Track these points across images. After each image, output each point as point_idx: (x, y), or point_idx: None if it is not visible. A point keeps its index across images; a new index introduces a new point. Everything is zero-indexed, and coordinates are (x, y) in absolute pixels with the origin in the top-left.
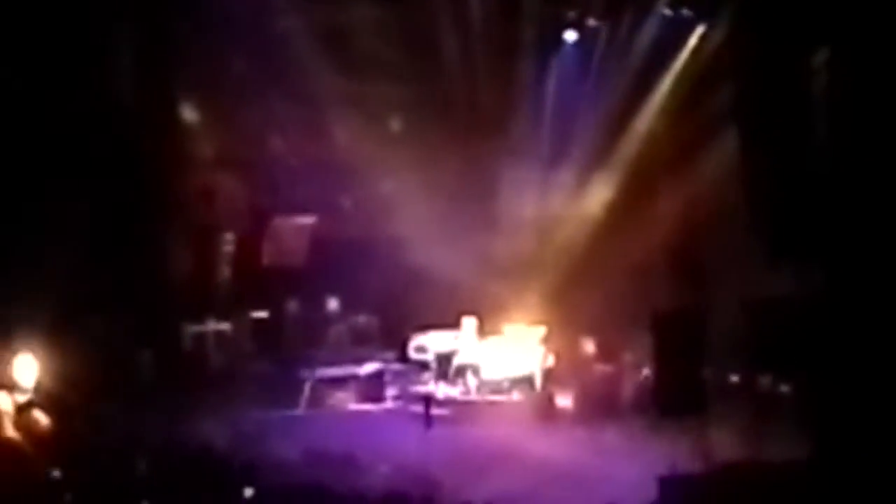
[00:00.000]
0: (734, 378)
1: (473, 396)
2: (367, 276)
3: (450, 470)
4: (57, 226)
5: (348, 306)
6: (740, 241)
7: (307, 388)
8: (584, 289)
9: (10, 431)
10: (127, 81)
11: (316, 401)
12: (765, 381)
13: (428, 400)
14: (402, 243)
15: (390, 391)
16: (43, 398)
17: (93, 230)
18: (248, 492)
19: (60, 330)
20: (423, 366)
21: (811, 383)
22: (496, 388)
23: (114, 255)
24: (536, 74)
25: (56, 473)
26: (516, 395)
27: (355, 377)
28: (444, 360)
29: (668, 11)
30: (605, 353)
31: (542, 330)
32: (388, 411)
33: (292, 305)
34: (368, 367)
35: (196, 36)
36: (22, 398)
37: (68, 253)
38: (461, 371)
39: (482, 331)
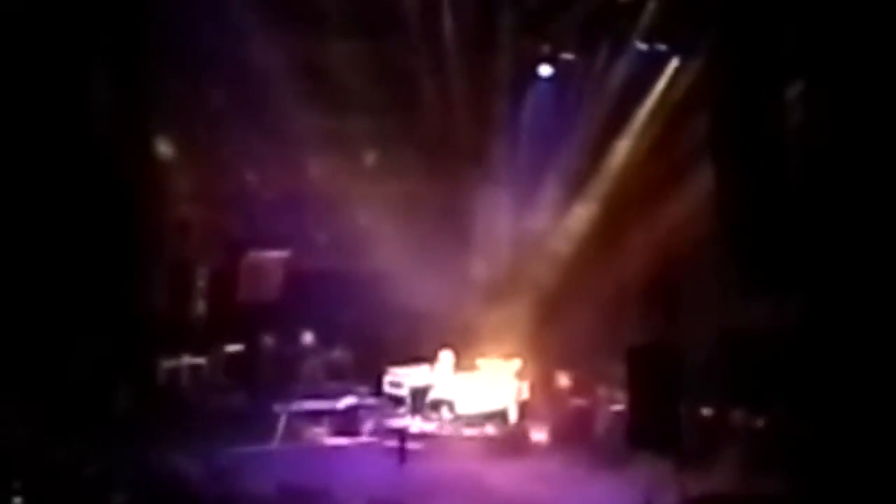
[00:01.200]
0: (709, 411)
1: (448, 431)
2: (342, 311)
3: None
4: (32, 259)
5: (323, 340)
6: (716, 274)
7: (282, 422)
8: (559, 322)
9: None
10: (104, 116)
11: (291, 435)
12: (740, 414)
13: (402, 434)
14: (377, 277)
15: (365, 425)
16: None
17: (68, 263)
18: None
19: (35, 363)
20: (398, 400)
21: (787, 416)
22: (470, 423)
23: (89, 289)
24: (511, 108)
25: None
26: (490, 430)
27: (330, 411)
28: (419, 394)
29: (642, 45)
30: (579, 387)
31: (516, 364)
32: (363, 446)
33: (267, 339)
34: (343, 402)
35: (172, 70)
36: None
37: (44, 286)
38: (436, 405)
39: (457, 365)
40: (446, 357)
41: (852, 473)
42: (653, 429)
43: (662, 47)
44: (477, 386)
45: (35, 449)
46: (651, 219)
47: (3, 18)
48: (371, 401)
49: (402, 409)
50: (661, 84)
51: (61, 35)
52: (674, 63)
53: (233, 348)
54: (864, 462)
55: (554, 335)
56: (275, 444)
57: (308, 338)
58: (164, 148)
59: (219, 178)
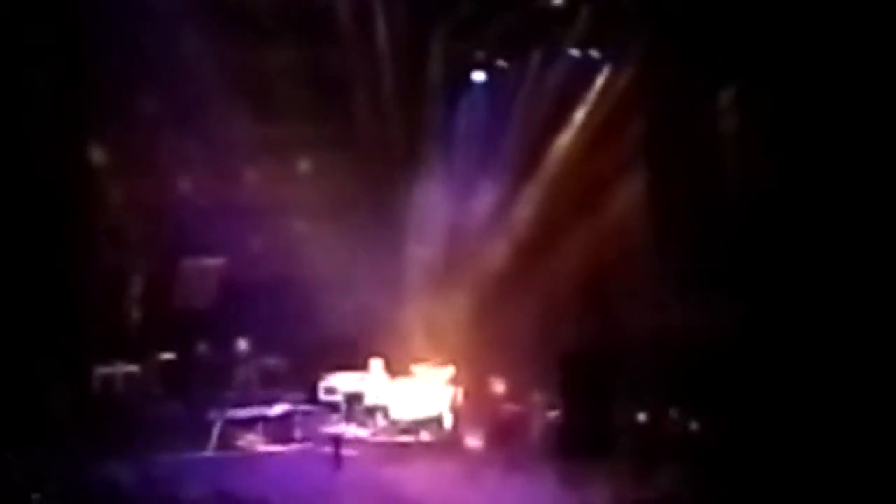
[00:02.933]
0: (643, 416)
1: (382, 437)
2: (276, 318)
3: None
4: None
5: (258, 348)
6: (650, 278)
7: (216, 429)
8: (493, 328)
9: None
10: (36, 122)
11: (225, 442)
12: (674, 418)
13: (337, 441)
14: (311, 284)
15: (300, 432)
16: None
17: (1, 271)
18: None
19: None
20: (333, 407)
21: (721, 422)
22: (405, 429)
23: (21, 297)
24: (445, 114)
25: None
26: (426, 436)
27: (265, 418)
28: (354, 400)
29: (575, 52)
30: (513, 393)
31: (451, 370)
32: (298, 452)
33: (201, 347)
34: (278, 409)
35: (106, 76)
36: None
37: None
38: (370, 411)
39: (391, 371)
40: (376, 365)
41: (786, 475)
42: (587, 434)
43: (595, 53)
44: (412, 392)
45: None
46: (585, 223)
47: None
48: (306, 407)
49: (336, 416)
50: (595, 90)
51: None
52: (607, 69)
53: (167, 356)
54: (798, 462)
55: (488, 341)
56: (210, 452)
57: (242, 345)
58: (97, 154)
59: (153, 185)
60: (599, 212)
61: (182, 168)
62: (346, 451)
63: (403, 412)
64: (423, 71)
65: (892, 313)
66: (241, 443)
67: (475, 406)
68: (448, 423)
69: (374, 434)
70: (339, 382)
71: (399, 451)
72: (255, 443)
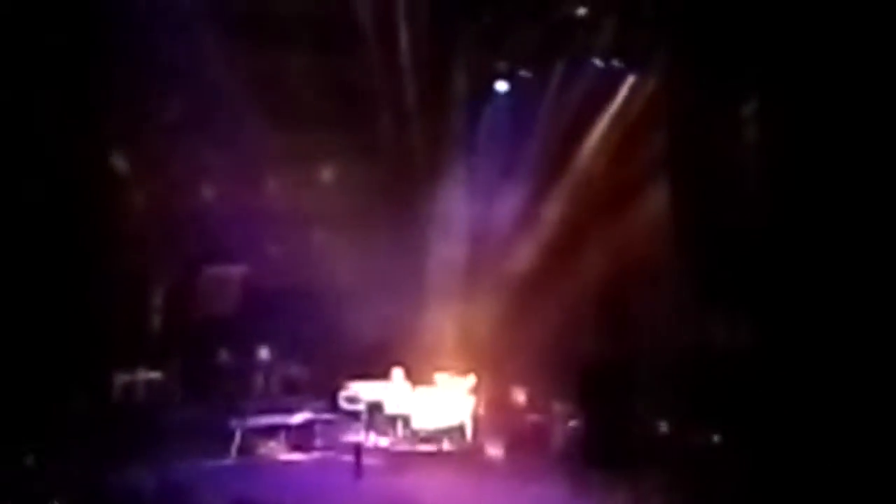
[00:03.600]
0: (664, 428)
1: (403, 446)
2: (298, 326)
3: None
4: None
5: (279, 355)
6: (672, 291)
7: (237, 437)
8: (514, 338)
9: None
10: (60, 130)
11: (246, 450)
12: (696, 430)
13: (358, 449)
14: (333, 293)
15: (321, 441)
16: None
17: (22, 278)
18: None
19: None
20: (354, 415)
21: (741, 433)
22: (427, 438)
23: (43, 303)
24: (468, 124)
25: None
26: (447, 445)
27: (286, 426)
28: (375, 409)
29: (598, 62)
30: (535, 403)
31: (472, 379)
32: (319, 461)
33: (223, 354)
34: (299, 417)
35: (129, 84)
36: None
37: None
38: (391, 421)
39: (413, 381)
40: (397, 375)
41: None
42: (607, 445)
43: (619, 64)
44: (433, 401)
45: None
46: (607, 235)
47: None
48: (327, 416)
49: (358, 425)
50: (618, 101)
51: (12, 46)
52: (630, 80)
53: (189, 363)
54: (818, 476)
55: (510, 351)
56: (230, 459)
57: (264, 353)
58: (119, 161)
59: (176, 193)
60: (621, 222)
61: (205, 176)
62: (367, 460)
63: (425, 421)
64: (445, 80)
65: None
66: (261, 450)
67: (496, 415)
68: (469, 432)
69: (394, 443)
70: (361, 391)
71: (420, 460)
72: (276, 451)
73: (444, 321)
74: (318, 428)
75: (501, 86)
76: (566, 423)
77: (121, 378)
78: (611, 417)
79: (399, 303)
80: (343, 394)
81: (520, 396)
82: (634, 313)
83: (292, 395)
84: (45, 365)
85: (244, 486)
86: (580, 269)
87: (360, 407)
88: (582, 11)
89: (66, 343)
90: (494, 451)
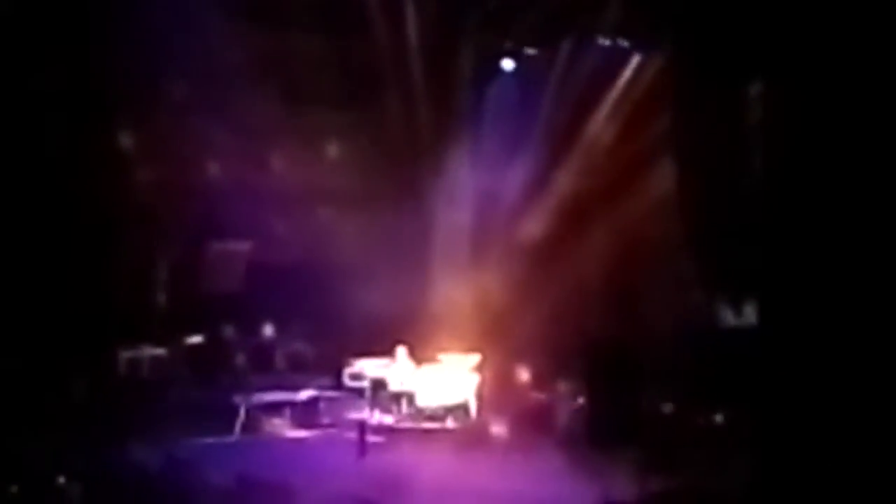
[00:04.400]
0: (668, 407)
1: (408, 423)
2: (302, 303)
3: (384, 496)
4: None
5: (284, 332)
6: (676, 271)
7: (242, 413)
8: (519, 317)
9: None
10: (63, 106)
11: (251, 427)
12: (700, 411)
13: (362, 427)
14: (338, 270)
15: (325, 418)
16: None
17: (27, 254)
18: None
19: None
20: (359, 392)
21: (746, 413)
22: (431, 415)
23: (48, 279)
24: (473, 102)
25: None
26: (451, 423)
27: (290, 403)
28: (379, 386)
29: (605, 41)
30: (539, 382)
31: (476, 357)
32: (323, 438)
33: (227, 331)
34: (304, 394)
35: (133, 61)
36: None
37: (2, 277)
38: (396, 398)
39: (417, 358)
40: (401, 353)
41: (812, 470)
42: (613, 424)
43: (625, 43)
44: (437, 379)
45: None
46: (613, 214)
47: None
48: (331, 393)
49: (362, 402)
50: (624, 80)
51: (17, 26)
52: (636, 59)
53: (193, 339)
54: (823, 459)
55: (515, 329)
56: (235, 436)
57: (269, 330)
58: (124, 139)
59: (181, 169)
60: (626, 201)
61: (210, 153)
62: (371, 438)
63: (429, 399)
64: (451, 59)
65: None
66: (266, 427)
67: (501, 393)
68: (473, 410)
69: (399, 420)
70: (365, 368)
71: (424, 437)
72: (281, 428)
73: (449, 299)
74: (322, 405)
75: (508, 64)
76: (571, 402)
77: (125, 354)
78: (615, 396)
79: (404, 280)
80: (347, 371)
81: (524, 375)
82: (639, 292)
83: (297, 372)
84: (50, 341)
85: (249, 463)
86: (586, 249)
87: (365, 384)
88: None
89: (70, 319)
90: (498, 429)
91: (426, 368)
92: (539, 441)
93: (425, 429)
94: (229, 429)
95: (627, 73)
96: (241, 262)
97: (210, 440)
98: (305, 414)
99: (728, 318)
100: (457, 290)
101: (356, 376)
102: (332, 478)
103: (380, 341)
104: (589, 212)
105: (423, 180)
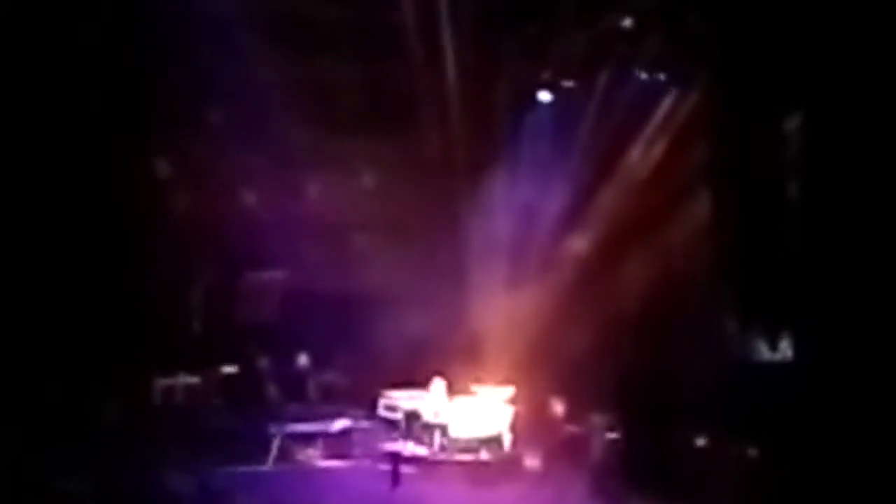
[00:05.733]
0: (703, 442)
1: (441, 455)
2: (337, 333)
3: None
4: (26, 274)
5: (318, 362)
6: (712, 303)
7: (275, 443)
8: (554, 349)
9: None
10: (103, 135)
11: (284, 456)
12: (735, 445)
13: (396, 458)
14: (374, 300)
15: (358, 449)
16: None
17: (64, 280)
18: None
19: (32, 378)
20: (393, 424)
21: (782, 449)
22: (465, 447)
23: (84, 305)
24: (510, 132)
25: None
26: (484, 455)
27: (324, 433)
28: (413, 418)
29: (642, 74)
30: (573, 414)
31: (510, 390)
32: (356, 468)
33: (262, 360)
34: (337, 424)
35: (171, 89)
36: None
37: (41, 304)
38: (430, 429)
39: (451, 390)
40: (438, 385)
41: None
42: (646, 457)
43: (662, 77)
44: (471, 411)
45: (13, 469)
46: (648, 247)
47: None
48: (365, 424)
49: (395, 433)
50: (660, 114)
51: (61, 54)
52: (673, 93)
53: (228, 368)
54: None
55: (549, 361)
56: (268, 465)
57: (303, 359)
58: (163, 167)
59: (217, 198)
60: (662, 234)
61: (247, 182)
62: (405, 469)
63: (463, 431)
64: (489, 89)
65: None
66: (299, 457)
67: (535, 426)
68: (507, 442)
69: (432, 452)
70: (399, 399)
71: (457, 469)
72: (314, 458)
73: (483, 331)
74: (356, 436)
75: (545, 96)
76: (604, 435)
77: (160, 382)
78: (649, 429)
79: (439, 312)
80: (381, 402)
81: (558, 407)
82: (674, 326)
83: (331, 402)
84: (86, 368)
85: (281, 493)
86: (621, 280)
87: (399, 415)
88: (626, 23)
89: (106, 347)
90: (532, 461)
91: (460, 400)
92: (572, 473)
93: (459, 461)
94: (262, 458)
95: (664, 105)
96: (277, 291)
97: (243, 469)
98: (339, 444)
99: (763, 351)
100: (492, 322)
101: (390, 407)
102: None
103: (414, 372)
104: (625, 243)
105: (460, 210)
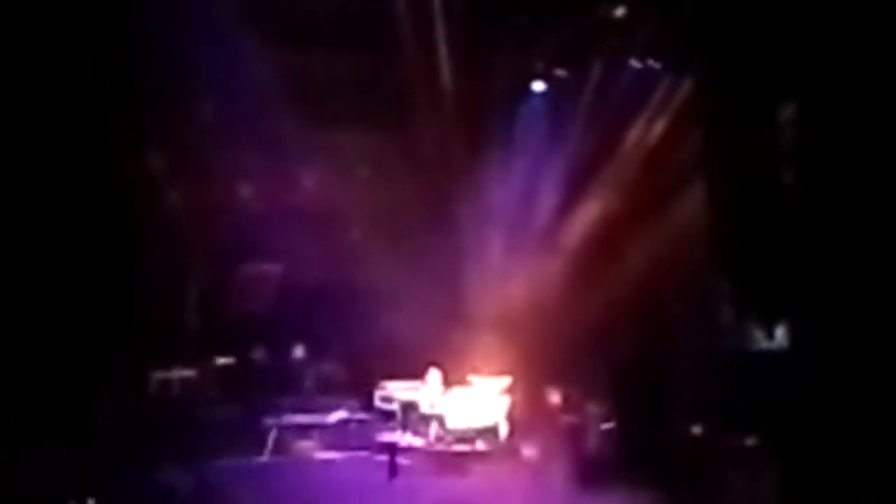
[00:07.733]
0: (699, 431)
1: (438, 446)
2: (333, 325)
3: None
4: (17, 269)
5: (314, 354)
6: (707, 292)
7: (272, 435)
8: (550, 339)
9: None
10: (95, 127)
11: (281, 448)
12: (731, 435)
13: (393, 449)
14: (369, 292)
15: (355, 440)
16: None
17: (57, 273)
18: None
19: (25, 372)
20: (389, 415)
21: (778, 438)
22: (461, 438)
23: (79, 299)
24: (503, 124)
25: None
26: (481, 445)
27: (321, 425)
28: (410, 409)
29: (636, 63)
30: (569, 404)
31: (507, 380)
32: (353, 460)
33: (258, 352)
34: (334, 416)
35: (166, 82)
36: None
37: (35, 297)
38: (426, 420)
39: (448, 381)
40: (434, 376)
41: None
42: (642, 447)
43: (656, 65)
44: (468, 401)
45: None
46: (643, 236)
47: None
48: (362, 415)
49: (392, 424)
50: (654, 102)
51: (53, 45)
52: (667, 81)
53: (224, 361)
54: (853, 481)
55: (545, 351)
56: (265, 458)
57: (299, 351)
58: (157, 160)
59: (212, 191)
60: (657, 224)
61: (241, 174)
62: (401, 460)
63: (459, 421)
64: (482, 79)
65: None
66: (296, 449)
67: (531, 416)
68: (504, 433)
69: (429, 443)
70: (396, 391)
71: (454, 460)
72: (311, 449)
73: (479, 321)
74: (352, 427)
75: (538, 86)
76: (601, 425)
77: (156, 375)
78: (646, 420)
79: (434, 302)
80: (378, 393)
81: (555, 397)
82: (670, 314)
83: (327, 394)
84: (81, 362)
85: (278, 485)
86: (616, 271)
87: (395, 406)
88: (619, 12)
89: (101, 340)
90: (529, 451)
91: (457, 391)
92: (569, 464)
93: (455, 451)
94: (259, 450)
95: (659, 94)
96: (272, 283)
97: (240, 461)
98: (335, 436)
99: (759, 340)
100: (488, 312)
101: (386, 399)
102: (361, 500)
103: (410, 363)
104: (619, 233)
105: (454, 202)
